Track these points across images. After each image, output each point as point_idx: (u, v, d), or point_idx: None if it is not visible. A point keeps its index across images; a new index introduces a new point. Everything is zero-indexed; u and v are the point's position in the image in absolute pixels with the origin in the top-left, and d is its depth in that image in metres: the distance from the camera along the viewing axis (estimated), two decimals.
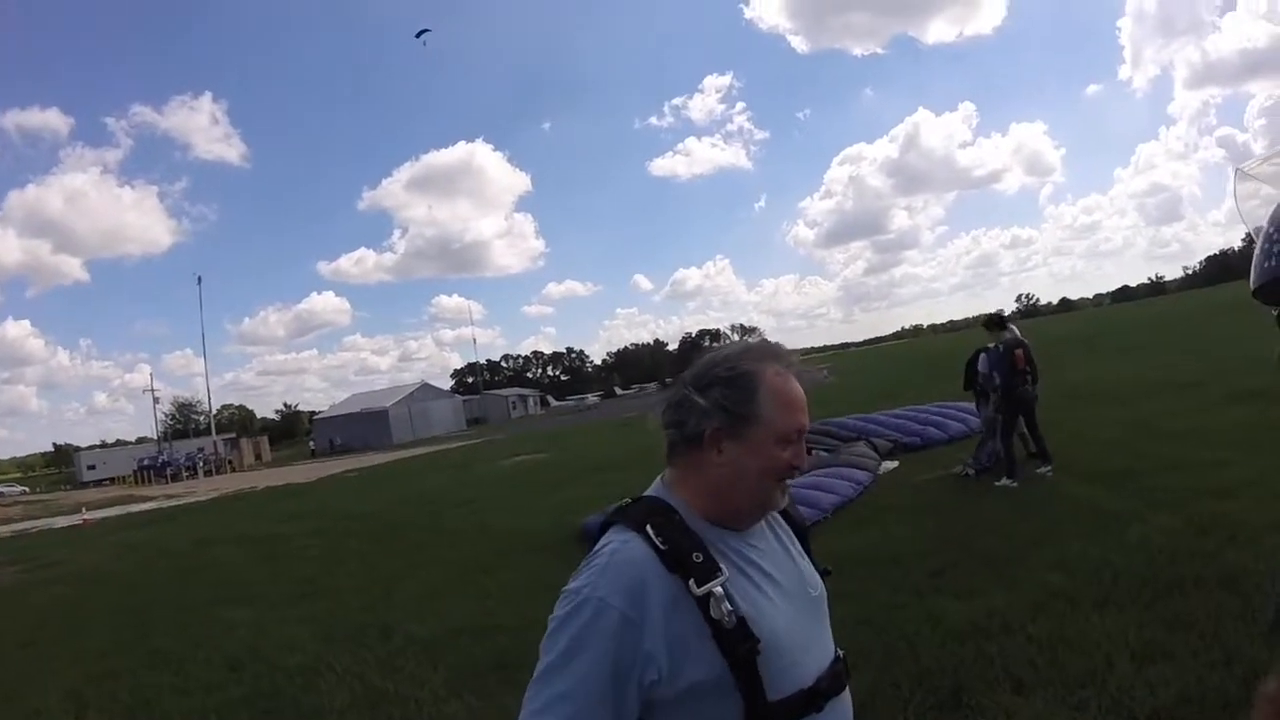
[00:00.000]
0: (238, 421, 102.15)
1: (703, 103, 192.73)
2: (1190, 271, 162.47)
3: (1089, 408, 13.85)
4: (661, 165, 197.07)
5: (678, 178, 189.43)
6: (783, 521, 1.57)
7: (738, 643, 1.30)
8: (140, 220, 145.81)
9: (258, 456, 66.87)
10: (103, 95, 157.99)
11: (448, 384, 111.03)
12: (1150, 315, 52.78)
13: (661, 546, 1.33)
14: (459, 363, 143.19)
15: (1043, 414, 9.83)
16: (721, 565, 1.34)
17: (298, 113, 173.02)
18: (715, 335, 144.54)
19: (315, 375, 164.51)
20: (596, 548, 1.40)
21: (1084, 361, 22.39)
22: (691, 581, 1.31)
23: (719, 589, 1.31)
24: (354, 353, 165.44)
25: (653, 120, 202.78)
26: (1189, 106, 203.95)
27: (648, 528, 1.36)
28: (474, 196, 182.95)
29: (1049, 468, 9.39)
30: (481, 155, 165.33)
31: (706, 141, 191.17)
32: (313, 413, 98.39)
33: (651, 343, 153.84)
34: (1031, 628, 4.89)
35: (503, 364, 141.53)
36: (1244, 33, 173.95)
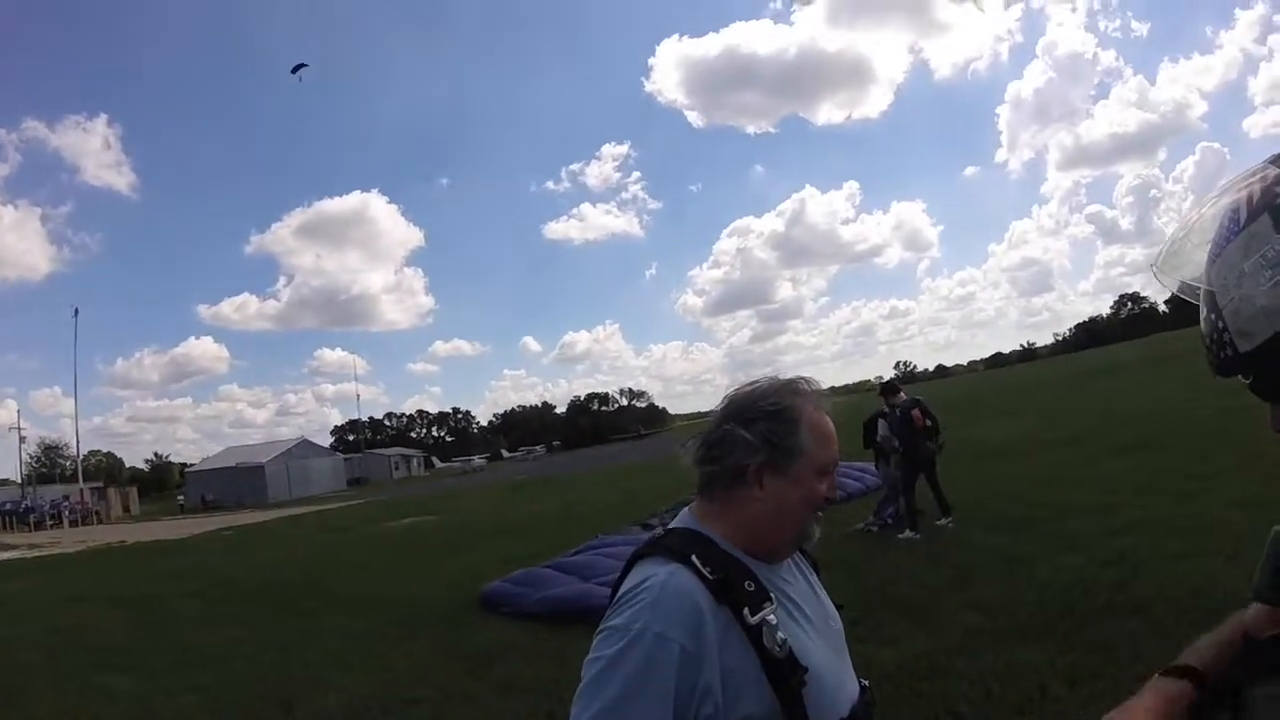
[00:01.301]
0: (105, 469, 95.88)
1: (599, 170, 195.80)
2: (1060, 338, 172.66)
3: (981, 464, 14.38)
4: (556, 229, 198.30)
5: (571, 242, 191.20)
6: (801, 556, 1.54)
7: (788, 674, 1.25)
8: (19, 243, 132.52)
9: (126, 509, 62.34)
10: None
11: (328, 441, 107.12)
12: (1025, 379, 55.65)
13: (710, 576, 1.27)
14: (340, 419, 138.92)
15: (940, 469, 10.15)
16: (771, 594, 1.30)
17: (193, 146, 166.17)
18: (604, 399, 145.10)
19: (188, 425, 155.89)
20: (635, 582, 1.31)
21: (969, 422, 23.27)
22: (746, 611, 1.26)
23: (771, 618, 1.26)
24: (230, 403, 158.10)
25: (549, 184, 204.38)
26: (1061, 186, 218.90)
27: (693, 558, 1.30)
28: (364, 248, 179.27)
29: (949, 519, 9.69)
30: (375, 206, 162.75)
31: (601, 208, 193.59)
32: (184, 465, 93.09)
33: (539, 405, 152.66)
34: (959, 665, 5.02)
35: (386, 422, 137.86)
36: (1115, 118, 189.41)
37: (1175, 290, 1.10)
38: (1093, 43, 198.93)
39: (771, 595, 1.29)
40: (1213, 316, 1.01)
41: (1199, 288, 1.04)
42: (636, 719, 1.17)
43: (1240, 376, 1.03)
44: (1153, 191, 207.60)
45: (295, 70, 63.66)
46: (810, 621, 1.38)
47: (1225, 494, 8.08)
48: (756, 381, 1.47)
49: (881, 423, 10.79)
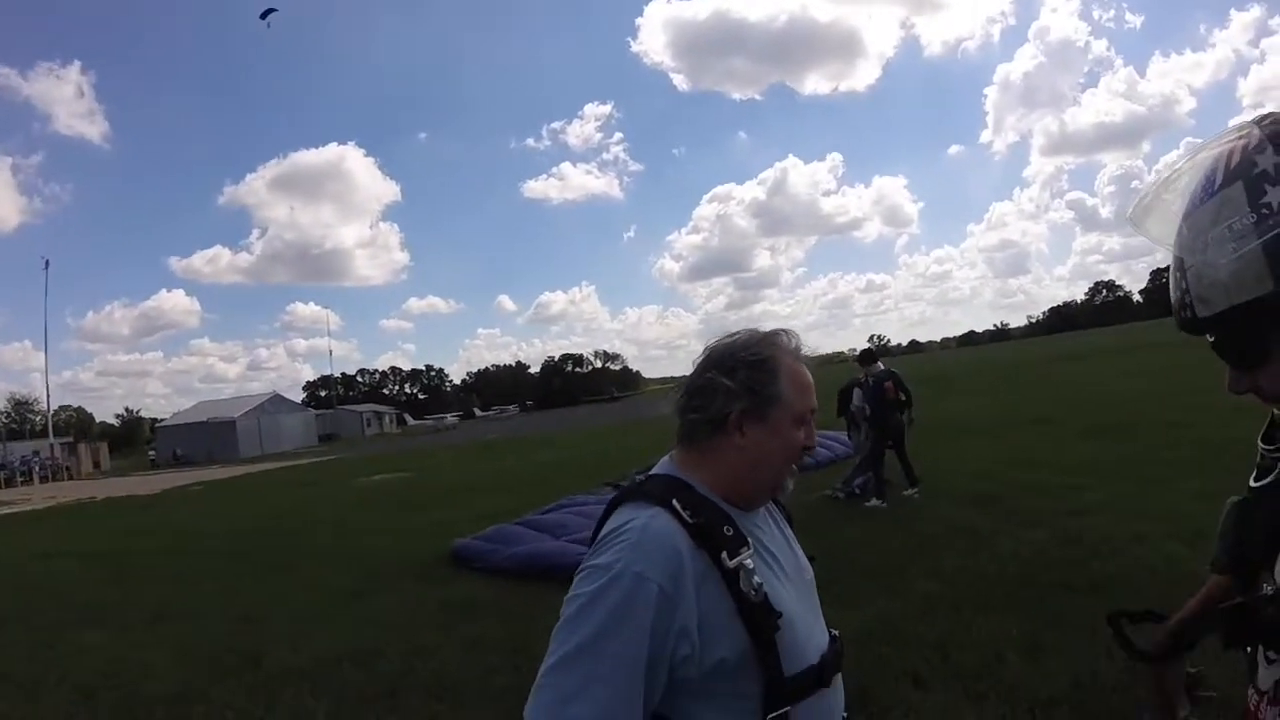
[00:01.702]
0: (75, 425, 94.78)
1: (581, 129, 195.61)
2: (1034, 320, 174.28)
3: (950, 439, 14.59)
4: (534, 188, 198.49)
5: (549, 201, 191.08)
6: (775, 507, 1.58)
7: (762, 618, 1.29)
8: None
9: (96, 464, 61.96)
10: None
11: (300, 396, 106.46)
12: (997, 359, 56.05)
13: (690, 520, 1.31)
14: (312, 375, 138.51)
15: (909, 444, 10.35)
16: (748, 539, 1.35)
17: (166, 95, 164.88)
18: (578, 360, 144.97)
19: (159, 380, 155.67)
20: (616, 524, 1.34)
21: (940, 398, 23.49)
22: (724, 554, 1.29)
23: (749, 562, 1.30)
24: (201, 358, 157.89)
25: (530, 142, 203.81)
26: (1043, 171, 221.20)
27: (674, 502, 1.33)
28: (339, 202, 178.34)
29: (916, 490, 9.89)
30: (352, 159, 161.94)
31: (581, 168, 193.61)
32: (155, 420, 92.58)
33: (513, 365, 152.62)
34: (919, 630, 5.16)
35: (358, 379, 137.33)
36: (1102, 108, 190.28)
37: (1147, 238, 1.14)
38: (1085, 31, 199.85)
39: (749, 541, 1.33)
40: (1179, 275, 1.05)
41: (1167, 245, 1.08)
42: (613, 655, 1.20)
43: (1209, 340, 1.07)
44: (1134, 182, 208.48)
45: (264, 16, 62.27)
46: (784, 570, 1.42)
47: (1189, 484, 8.19)
48: (737, 333, 1.50)
49: (857, 391, 10.90)
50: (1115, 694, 3.90)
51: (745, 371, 1.41)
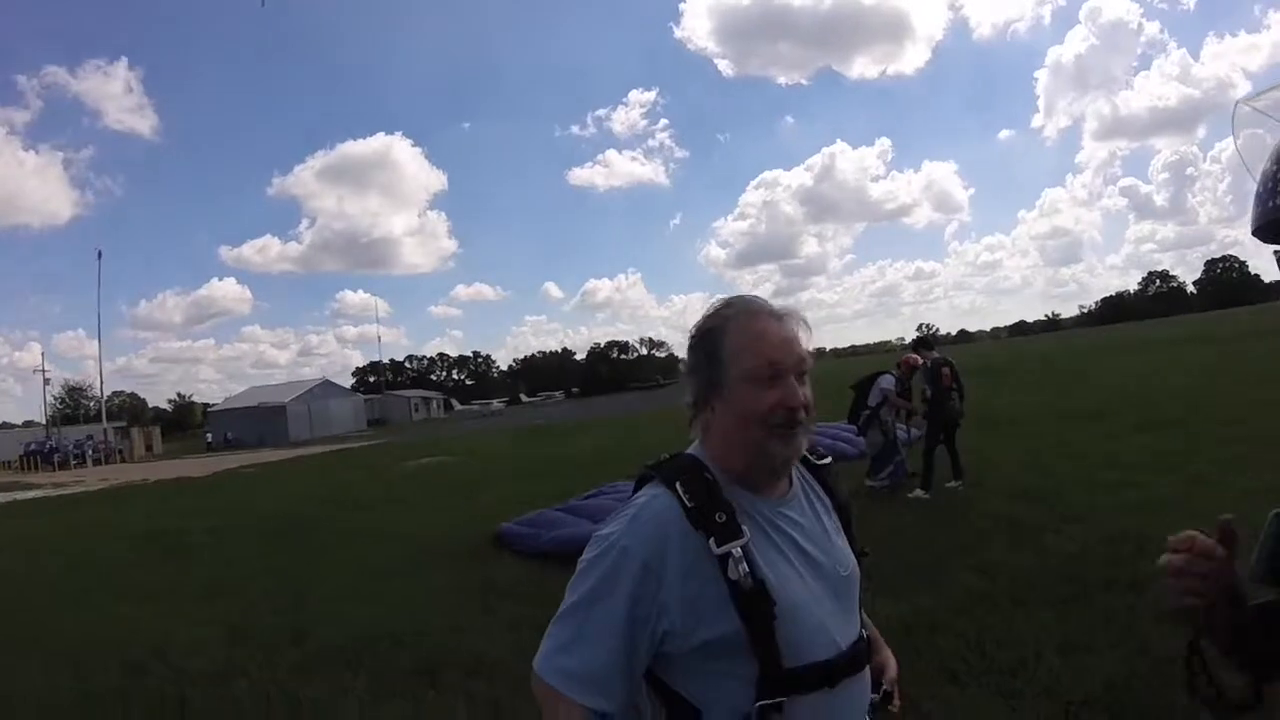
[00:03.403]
0: (129, 410, 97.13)
1: (626, 116, 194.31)
2: (1086, 310, 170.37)
3: (999, 431, 14.37)
4: (580, 175, 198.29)
5: (595, 188, 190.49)
6: (824, 496, 1.55)
7: (755, 604, 1.31)
8: (42, 189, 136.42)
9: (149, 448, 63.47)
10: (14, 50, 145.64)
11: (349, 382, 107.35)
12: (1048, 349, 55.00)
13: (689, 503, 1.35)
14: (361, 361, 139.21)
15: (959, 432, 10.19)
16: (745, 528, 1.35)
17: (214, 88, 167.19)
18: (624, 347, 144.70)
19: (210, 366, 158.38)
20: (631, 499, 1.44)
21: (990, 389, 23.13)
22: (712, 540, 1.32)
23: (737, 550, 1.32)
24: (252, 344, 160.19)
25: (574, 129, 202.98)
26: (1096, 156, 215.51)
27: (678, 484, 1.38)
28: (387, 191, 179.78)
29: (960, 483, 9.76)
30: (399, 149, 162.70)
31: (627, 155, 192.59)
32: (206, 405, 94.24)
33: (559, 351, 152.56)
34: (959, 625, 5.12)
35: (406, 365, 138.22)
36: (1155, 91, 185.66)
37: (1251, 113, 1.11)
38: (1137, 12, 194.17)
39: (744, 530, 1.34)
40: (1275, 168, 1.04)
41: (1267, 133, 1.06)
42: (598, 616, 1.33)
43: (1277, 247, 1.07)
44: (1189, 169, 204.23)
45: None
46: (807, 560, 1.41)
47: (1240, 482, 7.99)
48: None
49: (886, 378, 10.75)
50: (1151, 694, 3.85)
51: (696, 350, 1.45)
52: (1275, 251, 1.07)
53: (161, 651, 6.55)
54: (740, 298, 1.47)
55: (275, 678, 5.66)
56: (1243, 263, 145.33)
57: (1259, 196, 1.06)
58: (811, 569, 1.40)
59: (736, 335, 1.40)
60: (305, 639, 6.53)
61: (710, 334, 1.43)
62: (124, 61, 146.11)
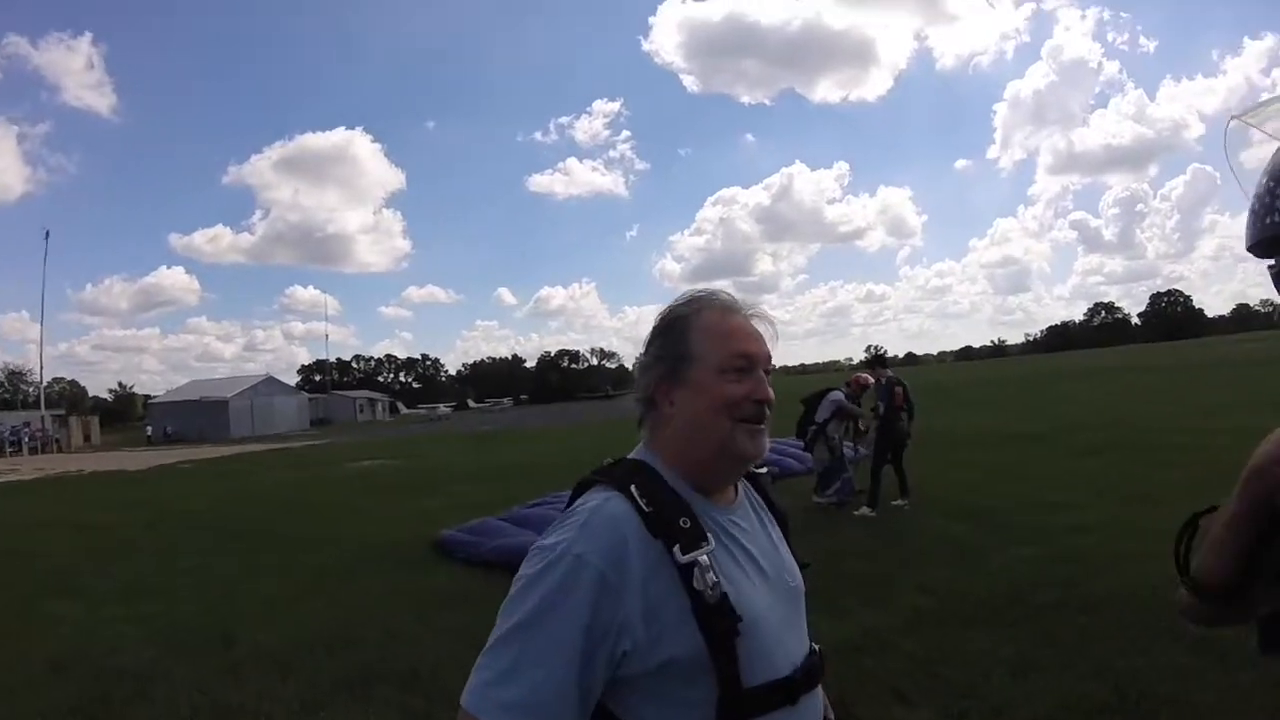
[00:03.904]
0: (68, 398, 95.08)
1: (589, 125, 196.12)
2: (1032, 338, 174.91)
3: (944, 451, 14.46)
4: (540, 181, 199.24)
5: (554, 196, 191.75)
6: (766, 507, 1.47)
7: (718, 619, 1.17)
8: None
9: (87, 438, 62.07)
10: None
11: (294, 379, 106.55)
12: (995, 374, 56.11)
13: (646, 508, 1.21)
14: (307, 358, 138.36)
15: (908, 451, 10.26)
16: (708, 535, 1.24)
17: (177, 71, 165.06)
18: (575, 357, 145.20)
19: (154, 356, 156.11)
20: (573, 506, 1.28)
21: (935, 410, 23.43)
22: (676, 548, 1.19)
23: (704, 558, 1.19)
24: (198, 336, 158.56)
25: (537, 135, 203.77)
26: (1049, 189, 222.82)
27: (631, 487, 1.24)
28: (344, 186, 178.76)
29: (906, 501, 9.80)
30: (359, 144, 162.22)
31: (588, 164, 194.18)
32: (147, 396, 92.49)
33: (510, 358, 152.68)
34: (907, 645, 5.04)
35: (354, 365, 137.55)
36: (1110, 129, 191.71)
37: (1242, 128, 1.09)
38: (1099, 52, 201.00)
39: (709, 537, 1.22)
40: (1270, 183, 1.01)
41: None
42: (546, 636, 1.13)
43: (1270, 261, 1.03)
44: (1139, 205, 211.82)
45: None
46: (761, 573, 1.30)
47: (1184, 505, 8.00)
48: None
49: (836, 394, 10.74)
50: (1103, 715, 3.83)
51: (658, 341, 1.35)
52: (1269, 267, 1.03)
53: (85, 650, 6.35)
54: (711, 291, 1.39)
55: (201, 681, 5.44)
56: (1187, 297, 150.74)
57: (1254, 213, 1.03)
58: (764, 580, 1.30)
59: (708, 326, 1.33)
60: (234, 642, 6.28)
61: (677, 322, 1.34)
62: (88, 36, 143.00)
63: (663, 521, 1.20)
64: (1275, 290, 1.05)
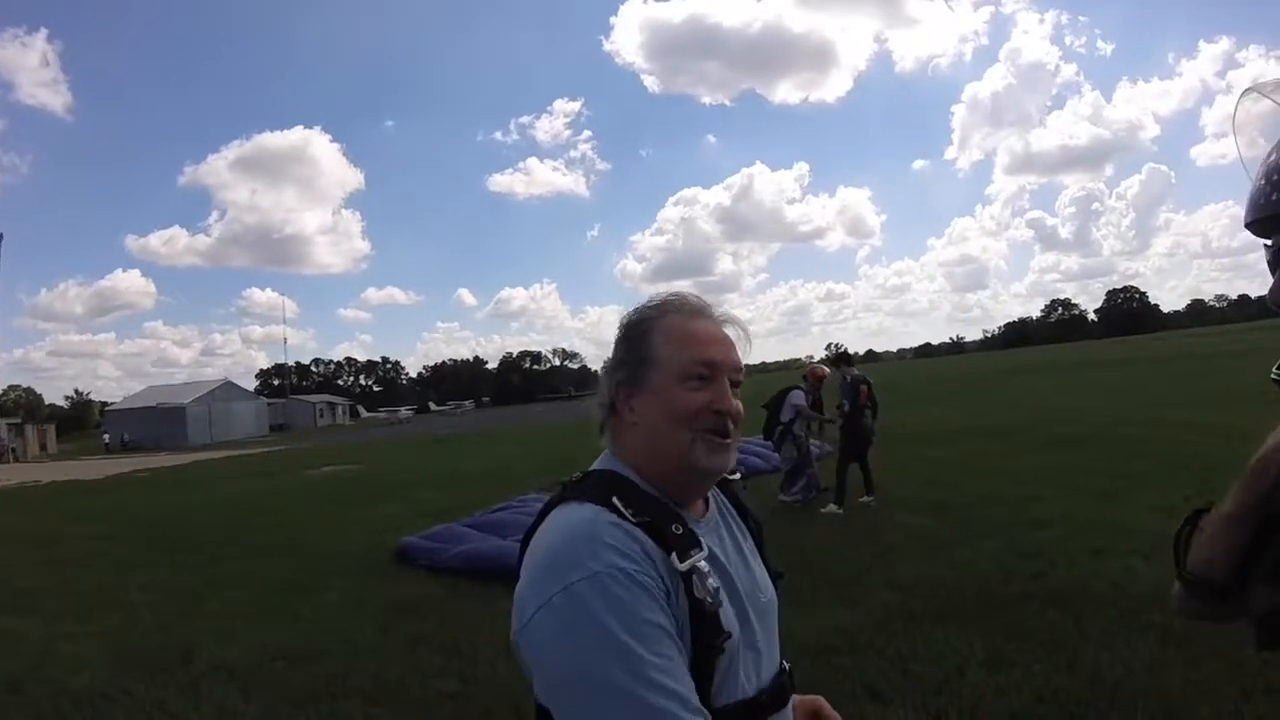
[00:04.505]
0: (24, 405, 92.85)
1: (550, 125, 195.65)
2: (989, 335, 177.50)
3: (907, 447, 14.55)
4: (500, 181, 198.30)
5: (515, 196, 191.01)
6: (739, 519, 1.38)
7: (713, 633, 1.10)
8: None
9: (43, 447, 61.06)
10: None
11: (252, 384, 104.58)
12: (954, 370, 56.75)
13: (633, 520, 1.11)
14: (266, 362, 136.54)
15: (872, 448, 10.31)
16: (701, 541, 1.15)
17: (133, 70, 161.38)
18: (537, 358, 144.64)
19: (110, 361, 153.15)
20: (549, 529, 1.16)
21: (897, 406, 23.60)
22: (674, 555, 1.09)
23: (702, 564, 1.11)
24: (154, 340, 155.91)
25: (497, 135, 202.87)
26: (1006, 189, 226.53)
27: (614, 499, 1.14)
28: (302, 186, 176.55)
29: (872, 498, 9.83)
30: (317, 144, 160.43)
31: (548, 164, 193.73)
32: (104, 403, 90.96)
33: (471, 359, 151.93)
34: (879, 642, 5.02)
35: (313, 368, 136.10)
36: (1067, 130, 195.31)
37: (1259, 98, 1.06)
38: (1056, 55, 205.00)
39: (702, 543, 1.13)
40: (1274, 157, 0.99)
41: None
42: (646, 648, 1.01)
43: (1266, 240, 1.02)
44: (1095, 204, 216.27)
45: None
46: (732, 586, 1.21)
47: (1145, 498, 8.30)
48: None
49: (796, 393, 10.78)
50: (1079, 708, 3.83)
51: (620, 345, 1.29)
52: (1265, 245, 1.00)
53: (42, 669, 6.14)
54: (680, 294, 1.31)
55: (161, 700, 5.28)
56: (1143, 293, 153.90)
57: (1257, 188, 1.00)
58: (736, 596, 1.20)
59: (671, 330, 1.25)
60: (194, 658, 6.09)
61: (640, 324, 1.27)
62: (43, 33, 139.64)
63: (655, 530, 1.11)
64: (1269, 270, 1.02)
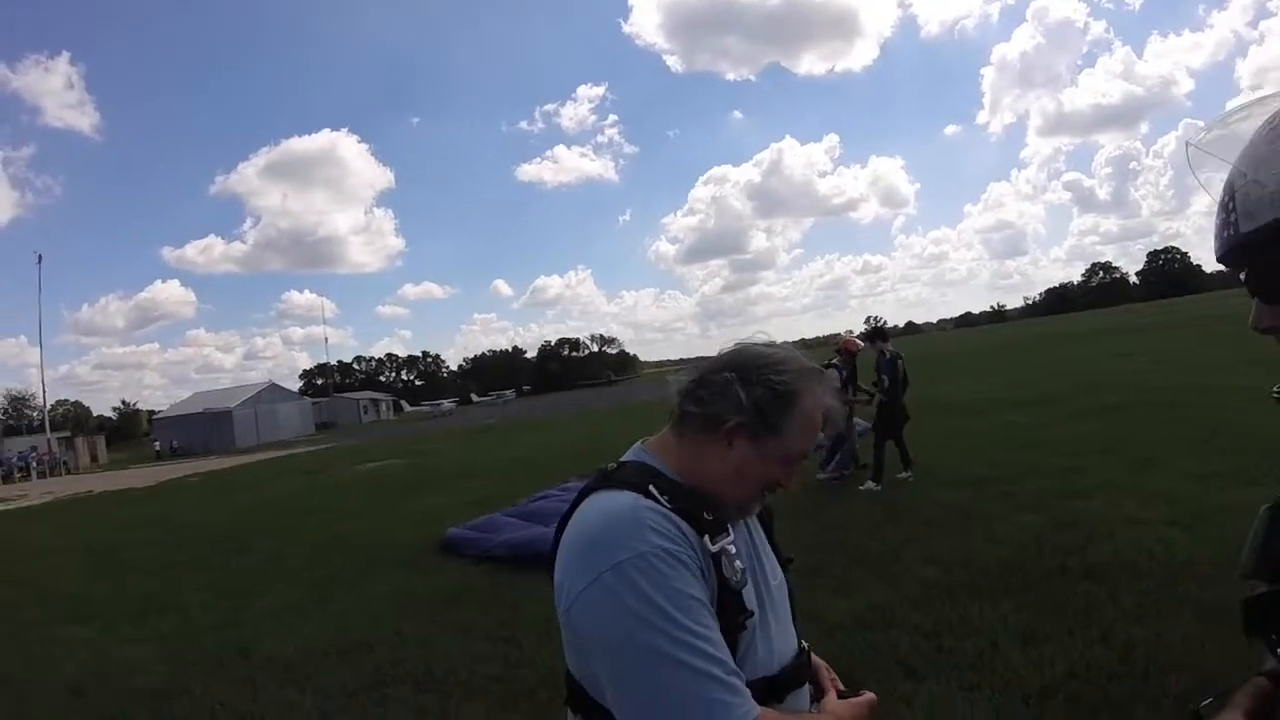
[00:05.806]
0: (73, 419, 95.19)
1: (575, 111, 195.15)
2: (1030, 302, 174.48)
3: (945, 419, 14.51)
4: (528, 171, 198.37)
5: (544, 184, 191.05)
6: None
7: (737, 611, 1.22)
8: None
9: (94, 458, 62.03)
10: None
11: (296, 385, 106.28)
12: (995, 340, 55.95)
13: (668, 505, 1.22)
14: (308, 363, 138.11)
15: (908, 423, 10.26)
16: (727, 527, 1.28)
17: (157, 84, 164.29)
18: (575, 344, 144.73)
19: (155, 371, 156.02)
20: (589, 513, 1.26)
21: (935, 378, 23.42)
22: (706, 538, 1.22)
23: (731, 547, 1.24)
24: (197, 348, 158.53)
25: (523, 125, 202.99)
26: (1040, 152, 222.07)
27: (650, 488, 1.24)
28: (333, 188, 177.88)
29: (910, 473, 9.79)
30: (345, 146, 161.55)
31: (576, 151, 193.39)
32: (152, 412, 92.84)
33: (509, 349, 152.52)
34: (914, 618, 5.07)
35: (354, 366, 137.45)
36: (1099, 88, 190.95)
37: (1202, 153, 1.10)
38: (1084, 11, 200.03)
39: (729, 529, 1.26)
40: (1226, 198, 1.02)
41: (1227, 166, 1.04)
42: (688, 639, 1.11)
43: (1241, 274, 1.04)
44: (1132, 164, 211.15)
45: None
46: (752, 572, 1.33)
47: (1183, 465, 8.20)
48: (776, 346, 1.39)
49: (831, 373, 10.68)
50: (1112, 683, 3.84)
51: (763, 391, 1.31)
52: (1239, 276, 1.05)
53: (102, 672, 6.36)
54: (815, 368, 1.37)
55: (220, 695, 5.47)
56: (1184, 254, 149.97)
57: (1217, 226, 1.04)
58: (752, 579, 1.32)
59: (806, 415, 1.33)
60: (249, 654, 6.32)
61: (786, 397, 1.31)
62: (65, 56, 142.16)
63: (688, 515, 1.21)
64: (1250, 297, 1.04)
